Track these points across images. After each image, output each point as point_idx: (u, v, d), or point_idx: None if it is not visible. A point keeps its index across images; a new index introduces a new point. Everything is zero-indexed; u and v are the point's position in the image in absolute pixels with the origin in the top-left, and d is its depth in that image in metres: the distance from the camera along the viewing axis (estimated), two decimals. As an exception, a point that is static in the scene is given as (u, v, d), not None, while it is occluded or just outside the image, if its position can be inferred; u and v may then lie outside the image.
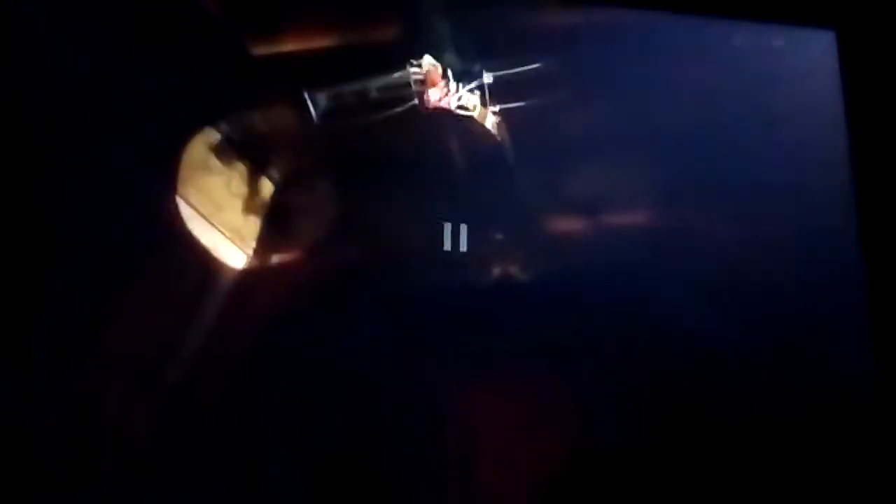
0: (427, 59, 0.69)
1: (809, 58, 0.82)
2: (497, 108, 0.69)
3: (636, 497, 0.61)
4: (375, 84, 0.68)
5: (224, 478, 0.58)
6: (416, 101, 0.68)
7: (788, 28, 0.81)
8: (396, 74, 0.68)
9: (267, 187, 0.65)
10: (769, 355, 0.67)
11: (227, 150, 0.65)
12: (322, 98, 0.68)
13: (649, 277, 0.68)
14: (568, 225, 0.69)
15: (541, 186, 0.69)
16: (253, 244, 0.63)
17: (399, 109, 0.68)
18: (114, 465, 0.60)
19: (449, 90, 0.68)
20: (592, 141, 0.73)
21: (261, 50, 0.67)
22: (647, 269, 0.68)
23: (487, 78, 0.69)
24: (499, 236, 0.66)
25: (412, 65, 0.68)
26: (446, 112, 0.68)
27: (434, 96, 0.68)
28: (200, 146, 0.65)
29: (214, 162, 0.65)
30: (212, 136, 0.65)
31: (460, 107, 0.69)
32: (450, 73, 0.69)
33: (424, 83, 0.68)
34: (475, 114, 0.68)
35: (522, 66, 0.70)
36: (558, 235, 0.68)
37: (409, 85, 0.68)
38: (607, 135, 0.74)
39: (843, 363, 0.69)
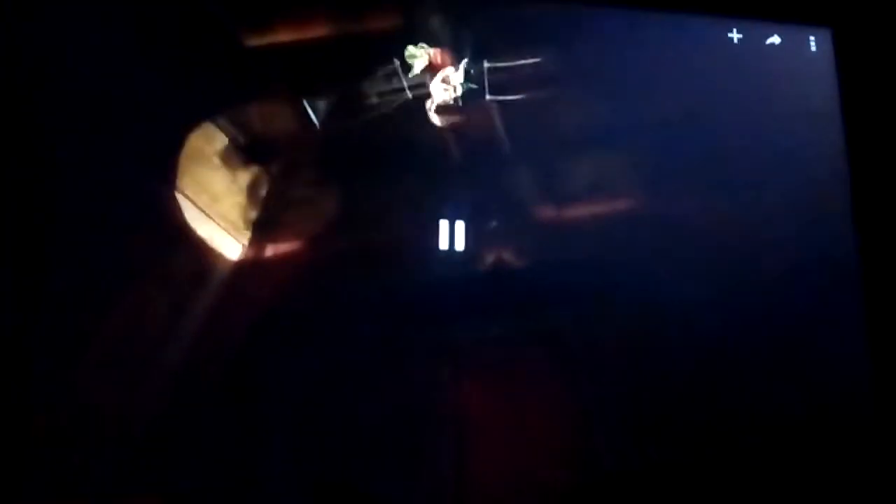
0: (421, 48, 0.69)
1: (806, 56, 0.82)
2: (495, 98, 0.70)
3: (630, 482, 0.61)
4: (374, 75, 0.69)
5: (221, 468, 0.58)
6: (409, 95, 0.69)
7: (785, 26, 0.82)
8: (390, 68, 0.69)
9: (265, 179, 0.66)
10: (766, 343, 0.67)
11: (224, 143, 0.66)
12: (320, 91, 0.68)
13: (645, 266, 0.68)
14: (564, 213, 0.69)
15: (537, 175, 0.69)
16: (250, 235, 0.63)
17: (398, 100, 0.69)
18: (112, 456, 0.60)
19: (454, 77, 0.68)
20: (589, 132, 0.74)
21: (257, 43, 0.68)
22: (642, 257, 0.68)
23: (486, 67, 0.70)
24: (495, 224, 0.67)
25: (410, 54, 0.69)
26: (448, 99, 0.68)
27: (440, 81, 0.68)
28: (198, 139, 0.65)
29: (212, 154, 0.65)
30: (209, 128, 0.66)
31: (449, 96, 0.69)
32: (462, 60, 0.69)
33: (428, 69, 0.68)
34: (474, 102, 0.69)
35: (520, 58, 0.71)
36: (554, 224, 0.69)
37: (408, 74, 0.69)
38: (604, 127, 0.74)
39: (837, 351, 0.69)
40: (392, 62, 0.69)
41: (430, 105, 0.68)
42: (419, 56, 0.69)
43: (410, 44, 0.70)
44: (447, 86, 0.68)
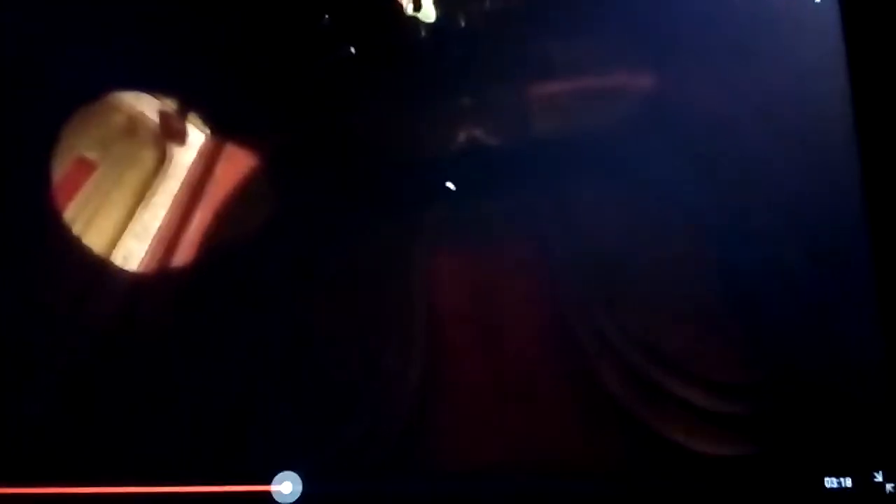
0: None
1: (810, 7, 0.81)
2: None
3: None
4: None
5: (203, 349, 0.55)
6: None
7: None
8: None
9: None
10: (757, 232, 0.63)
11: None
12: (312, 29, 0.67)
13: (622, 144, 0.65)
14: (542, 91, 0.66)
15: (517, 67, 0.67)
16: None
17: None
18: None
19: None
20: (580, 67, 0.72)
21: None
22: (620, 135, 0.65)
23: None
24: (468, 101, 0.64)
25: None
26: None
27: None
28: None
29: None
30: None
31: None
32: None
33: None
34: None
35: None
36: (531, 102, 0.66)
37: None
38: (598, 68, 0.72)
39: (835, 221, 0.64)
40: None
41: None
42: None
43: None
44: None
